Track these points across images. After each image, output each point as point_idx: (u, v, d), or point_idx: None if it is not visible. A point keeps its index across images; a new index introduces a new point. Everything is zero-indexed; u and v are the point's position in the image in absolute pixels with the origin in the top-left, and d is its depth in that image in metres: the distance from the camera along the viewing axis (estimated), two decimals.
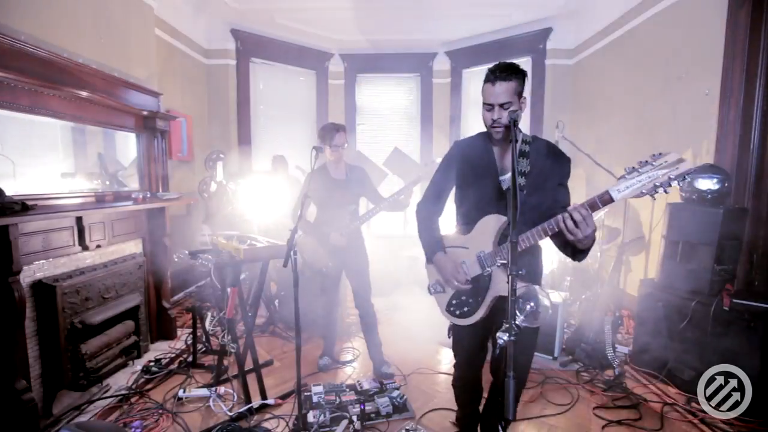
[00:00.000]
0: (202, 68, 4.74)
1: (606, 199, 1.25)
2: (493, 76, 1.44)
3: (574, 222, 1.24)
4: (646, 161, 1.22)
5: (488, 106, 1.48)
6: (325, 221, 2.67)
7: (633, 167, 1.23)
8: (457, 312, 1.63)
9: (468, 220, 1.61)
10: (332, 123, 2.67)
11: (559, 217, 1.29)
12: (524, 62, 4.72)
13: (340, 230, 2.60)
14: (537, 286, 1.36)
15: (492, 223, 1.52)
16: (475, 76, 5.35)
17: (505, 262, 1.43)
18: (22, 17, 2.16)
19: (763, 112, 2.49)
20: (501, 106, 1.44)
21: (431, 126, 5.54)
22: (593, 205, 1.26)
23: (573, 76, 4.63)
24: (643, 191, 1.21)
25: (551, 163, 1.50)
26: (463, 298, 1.61)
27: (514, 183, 1.22)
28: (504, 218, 1.47)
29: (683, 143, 2.95)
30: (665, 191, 1.21)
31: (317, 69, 5.51)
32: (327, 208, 2.68)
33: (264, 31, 4.93)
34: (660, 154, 1.21)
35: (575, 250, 1.35)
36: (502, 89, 1.43)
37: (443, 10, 4.35)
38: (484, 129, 1.68)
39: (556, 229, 1.32)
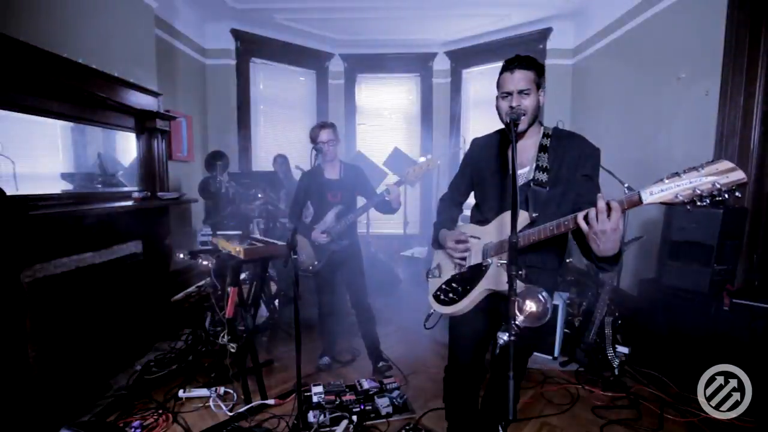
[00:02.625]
0: (202, 68, 4.74)
1: (634, 201, 1.10)
2: (511, 66, 1.39)
3: (596, 213, 1.13)
4: (693, 167, 1.03)
5: (505, 94, 1.40)
6: (316, 221, 2.69)
7: (675, 172, 1.05)
8: (442, 297, 1.60)
9: (485, 217, 1.58)
10: (319, 122, 2.69)
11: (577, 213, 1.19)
12: None
13: (323, 228, 2.60)
14: (539, 287, 1.33)
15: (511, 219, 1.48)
16: (475, 76, 5.32)
17: (504, 262, 1.42)
18: (22, 17, 2.16)
19: (763, 112, 2.49)
20: (520, 93, 1.37)
21: (431, 126, 5.53)
22: (618, 204, 1.12)
23: (573, 76, 4.62)
24: (680, 196, 1.03)
25: (575, 156, 1.43)
26: (454, 285, 1.58)
27: (514, 185, 1.19)
28: (525, 214, 1.38)
29: (683, 143, 2.94)
30: (706, 202, 1.01)
31: (317, 69, 5.51)
32: (320, 208, 2.70)
33: (264, 31, 4.92)
34: (712, 161, 1.01)
35: (597, 257, 1.22)
36: (522, 75, 1.37)
37: (443, 10, 4.34)
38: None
39: (570, 226, 1.22)
